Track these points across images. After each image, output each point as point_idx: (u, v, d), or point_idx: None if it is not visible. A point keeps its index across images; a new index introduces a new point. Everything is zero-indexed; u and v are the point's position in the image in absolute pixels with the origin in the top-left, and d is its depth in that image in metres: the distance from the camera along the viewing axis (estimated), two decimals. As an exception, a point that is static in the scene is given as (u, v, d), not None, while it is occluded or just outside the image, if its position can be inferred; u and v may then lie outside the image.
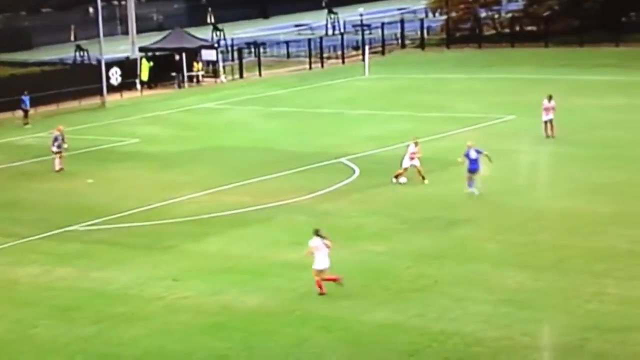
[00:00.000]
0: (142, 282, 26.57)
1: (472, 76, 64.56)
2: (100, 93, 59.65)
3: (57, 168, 40.83)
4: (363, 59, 69.80)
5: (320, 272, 25.21)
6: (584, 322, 22.83)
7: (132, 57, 67.20)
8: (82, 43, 72.72)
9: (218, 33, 75.92)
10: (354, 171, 38.83)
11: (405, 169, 36.54)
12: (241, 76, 69.38)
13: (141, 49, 67.66)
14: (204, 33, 74.63)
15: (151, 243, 30.44)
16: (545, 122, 43.41)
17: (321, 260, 25.17)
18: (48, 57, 72.36)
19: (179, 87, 65.69)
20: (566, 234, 29.65)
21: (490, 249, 28.55)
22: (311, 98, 59.27)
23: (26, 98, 53.84)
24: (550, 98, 43.55)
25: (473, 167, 34.54)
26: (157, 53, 67.22)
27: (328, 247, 25.25)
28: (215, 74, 68.26)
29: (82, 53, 69.30)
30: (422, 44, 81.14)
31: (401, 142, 43.70)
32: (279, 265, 27.87)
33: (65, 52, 74.37)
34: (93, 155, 44.31)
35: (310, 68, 72.43)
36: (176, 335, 22.83)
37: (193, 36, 69.24)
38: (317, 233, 25.53)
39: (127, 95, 62.69)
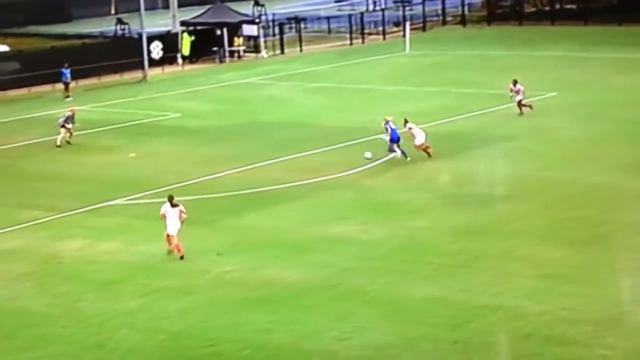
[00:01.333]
0: (185, 256, 26.61)
1: (513, 53, 64.06)
2: (142, 67, 59.79)
3: (58, 143, 40.77)
4: (404, 35, 69.46)
5: (169, 236, 26.46)
6: (625, 296, 22.71)
7: (173, 31, 67.28)
8: (123, 16, 72.88)
9: (259, 8, 75.75)
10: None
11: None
12: (282, 51, 69.29)
13: (182, 23, 67.71)
14: (245, 8, 74.55)
15: (193, 217, 30.39)
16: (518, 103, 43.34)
17: (171, 225, 26.47)
18: (88, 30, 72.57)
19: (220, 61, 65.71)
20: (610, 209, 29.45)
21: (534, 224, 28.38)
22: (352, 74, 59.10)
23: (67, 71, 54.04)
24: (515, 82, 43.47)
25: (395, 137, 36.29)
26: (198, 27, 67.24)
27: (181, 212, 26.50)
28: (256, 49, 68.22)
29: (122, 26, 69.50)
30: (462, 21, 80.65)
31: (442, 119, 43.58)
32: (320, 240, 27.85)
33: (105, 25, 74.56)
34: (135, 129, 44.46)
35: (351, 44, 72.18)
36: (221, 309, 22.89)
37: (234, 11, 69.18)
38: (169, 199, 26.80)
39: (168, 69, 62.83)
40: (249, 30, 67.82)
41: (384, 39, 74.52)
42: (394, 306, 22.81)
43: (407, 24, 71.97)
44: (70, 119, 41.39)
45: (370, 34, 75.31)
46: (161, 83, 58.25)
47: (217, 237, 28.37)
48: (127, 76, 59.65)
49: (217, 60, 65.90)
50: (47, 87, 55.55)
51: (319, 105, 49.45)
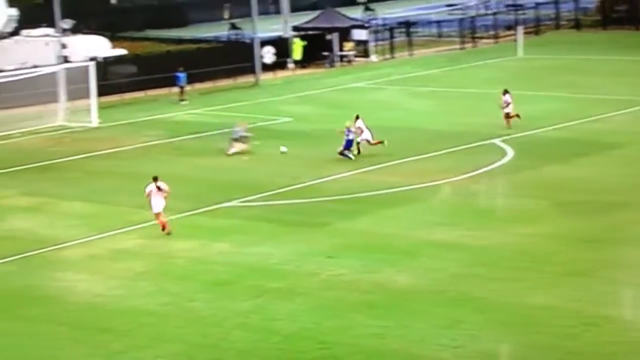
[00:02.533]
0: (298, 258, 26.99)
1: (628, 58, 62.88)
2: (254, 71, 60.58)
3: (229, 152, 40.79)
4: (516, 39, 68.83)
5: (156, 215, 28.93)
6: None
7: (284, 36, 67.98)
8: (236, 21, 73.90)
9: (369, 13, 76.02)
10: (505, 152, 38.45)
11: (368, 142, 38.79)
12: (392, 56, 69.36)
13: (294, 28, 68.38)
14: (356, 13, 74.84)
15: (305, 220, 30.88)
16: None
17: (155, 204, 29.01)
18: (202, 35, 73.81)
19: (330, 66, 66.11)
20: None
21: (649, 234, 27.93)
22: (462, 78, 58.85)
23: (181, 75, 55.07)
24: (505, 92, 43.19)
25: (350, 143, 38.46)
26: (309, 32, 67.80)
27: (164, 191, 29.05)
28: (366, 54, 68.42)
29: (235, 31, 70.42)
30: (577, 25, 79.43)
31: (555, 124, 43.11)
32: (429, 245, 27.91)
33: (219, 30, 75.71)
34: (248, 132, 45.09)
35: (462, 48, 71.86)
36: (332, 312, 23.13)
37: (344, 16, 69.55)
38: (154, 179, 29.30)
39: (279, 73, 63.48)
40: (359, 34, 68.08)
41: (496, 42, 73.96)
42: (504, 314, 22.74)
43: (520, 27, 71.26)
44: (243, 136, 41.42)
45: (481, 37, 74.80)
46: (273, 87, 58.93)
47: (328, 240, 28.65)
48: (240, 80, 60.49)
49: (327, 64, 66.32)
50: (162, 91, 56.70)
51: (429, 109, 49.41)
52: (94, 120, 47.97)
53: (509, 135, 41.08)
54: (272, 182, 35.38)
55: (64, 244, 29.03)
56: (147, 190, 29.43)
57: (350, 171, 36.74)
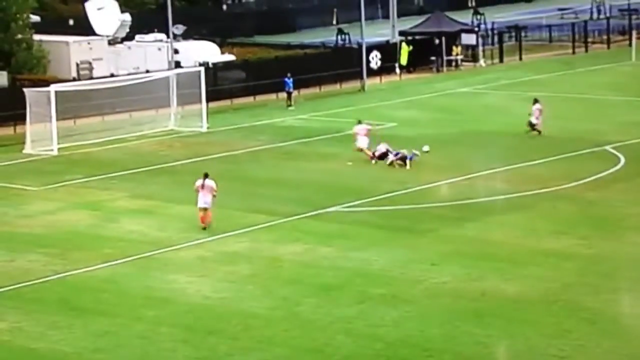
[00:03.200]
0: (402, 264, 26.85)
1: None
2: (360, 76, 60.52)
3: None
4: (630, 44, 67.36)
5: (201, 209, 30.59)
6: None
7: (392, 41, 67.76)
8: (344, 26, 74.01)
9: (478, 17, 75.25)
10: (619, 159, 37.62)
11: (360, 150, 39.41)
12: (501, 60, 68.54)
13: (401, 33, 68.12)
14: (464, 17, 74.22)
15: (410, 226, 30.71)
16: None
17: (201, 199, 30.60)
18: (310, 40, 74.14)
19: (438, 71, 65.69)
20: None
21: None
22: (574, 83, 57.85)
23: (289, 80, 55.37)
24: (535, 101, 43.38)
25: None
26: (417, 37, 67.48)
27: (211, 188, 30.55)
28: (474, 58, 67.76)
29: (343, 36, 70.49)
30: (691, 31, 77.44)
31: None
32: (539, 253, 27.47)
33: (327, 35, 75.96)
34: (352, 138, 45.03)
35: (574, 52, 70.62)
36: (436, 320, 22.95)
37: (453, 20, 69.01)
38: (205, 176, 30.91)
39: (386, 79, 63.32)
40: (468, 39, 67.44)
41: (609, 47, 72.49)
42: (616, 325, 22.24)
43: (634, 32, 69.69)
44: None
45: (594, 42, 73.42)
46: (379, 92, 58.80)
47: (434, 247, 28.45)
48: (346, 85, 60.53)
49: (434, 69, 65.92)
50: (271, 96, 57.15)
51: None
52: (204, 125, 48.64)
53: (620, 142, 40.16)
54: (376, 187, 35.29)
55: (175, 247, 29.46)
56: (196, 185, 31.15)
57: (457, 177, 36.39)
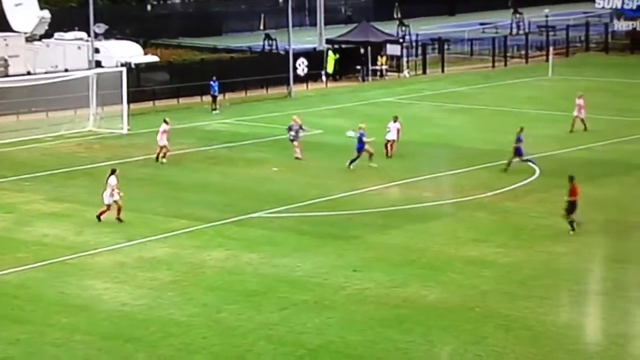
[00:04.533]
0: (326, 270, 27.12)
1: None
2: (287, 83, 60.81)
3: (295, 155, 41.58)
4: (547, 60, 68.84)
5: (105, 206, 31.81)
6: None
7: (318, 48, 68.22)
8: (271, 32, 74.21)
9: (403, 28, 76.05)
10: (534, 171, 38.48)
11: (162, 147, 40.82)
12: (424, 72, 69.44)
13: (328, 41, 68.62)
14: (390, 28, 74.99)
15: (335, 232, 31.01)
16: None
17: (106, 196, 31.85)
18: (237, 44, 74.21)
19: (363, 80, 66.27)
20: None
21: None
22: (494, 96, 58.92)
23: (215, 84, 55.30)
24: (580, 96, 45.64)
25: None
26: (343, 46, 67.99)
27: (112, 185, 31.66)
28: (399, 69, 68.56)
29: (270, 42, 70.74)
30: (605, 48, 79.53)
31: (584, 144, 43.13)
32: (459, 261, 28.01)
33: (253, 40, 76.14)
34: (279, 143, 45.25)
35: (494, 66, 71.86)
36: (358, 326, 23.22)
37: (379, 30, 69.71)
38: (112, 172, 32.21)
39: (312, 86, 63.70)
40: (393, 49, 68.17)
41: (527, 62, 73.95)
42: (531, 331, 22.80)
43: (551, 48, 71.23)
44: (292, 128, 42.18)
45: (512, 57, 74.82)
46: (305, 99, 59.14)
47: (358, 253, 28.78)
48: (273, 91, 60.75)
49: (360, 78, 66.52)
50: (195, 99, 57.04)
51: (460, 126, 49.49)
52: (125, 126, 48.17)
53: (538, 154, 41.06)
54: (302, 193, 35.57)
55: (92, 251, 29.10)
56: (109, 181, 31.92)
57: (381, 184, 36.88)
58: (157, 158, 41.14)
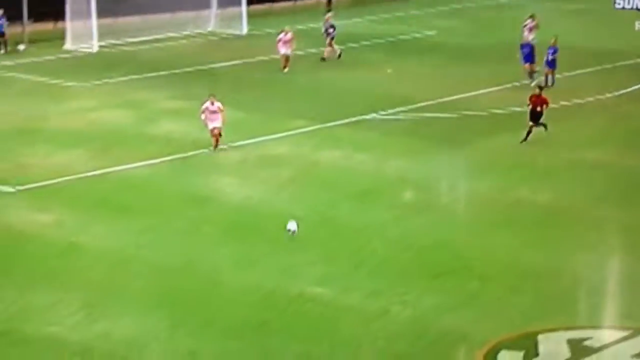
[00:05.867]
0: (437, 175, 27.15)
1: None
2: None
3: (324, 55, 41.56)
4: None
5: (210, 130, 29.23)
6: None
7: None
8: None
9: None
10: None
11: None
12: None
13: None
14: None
15: (446, 136, 30.96)
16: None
17: (211, 120, 29.22)
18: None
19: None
20: None
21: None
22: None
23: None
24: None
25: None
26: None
27: (218, 109, 29.13)
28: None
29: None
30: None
31: None
32: (571, 164, 27.83)
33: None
34: (393, 45, 45.11)
35: None
36: (469, 228, 23.23)
37: None
38: (212, 97, 29.40)
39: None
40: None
41: None
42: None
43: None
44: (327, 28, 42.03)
45: None
46: (419, 0, 58.41)
47: (468, 156, 28.71)
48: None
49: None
50: (311, 0, 56.89)
51: (579, 28, 48.36)
52: (244, 28, 48.67)
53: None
54: (415, 96, 35.48)
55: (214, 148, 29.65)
56: (202, 107, 29.56)
57: (494, 87, 36.56)
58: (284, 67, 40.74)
